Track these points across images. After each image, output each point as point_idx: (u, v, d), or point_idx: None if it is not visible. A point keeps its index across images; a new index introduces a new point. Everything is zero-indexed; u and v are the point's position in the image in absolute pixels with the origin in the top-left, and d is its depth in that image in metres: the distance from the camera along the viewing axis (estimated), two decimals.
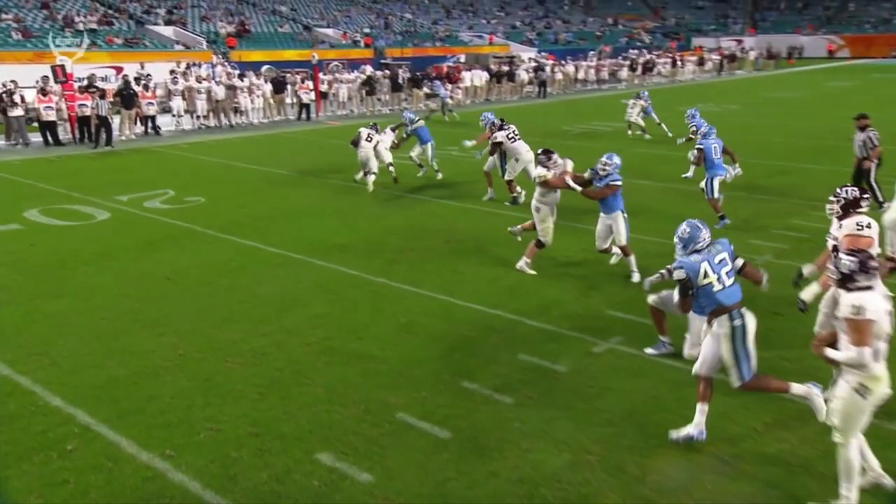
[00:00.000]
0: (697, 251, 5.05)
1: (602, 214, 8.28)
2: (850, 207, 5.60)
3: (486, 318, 7.25)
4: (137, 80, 22.30)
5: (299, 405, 5.56)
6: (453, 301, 7.70)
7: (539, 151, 8.73)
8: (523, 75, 32.60)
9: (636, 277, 8.09)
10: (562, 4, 71.26)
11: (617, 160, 8.07)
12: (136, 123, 20.67)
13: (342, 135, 16.20)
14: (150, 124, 21.00)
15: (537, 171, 8.48)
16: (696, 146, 10.57)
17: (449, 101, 25.20)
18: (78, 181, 14.29)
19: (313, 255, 9.34)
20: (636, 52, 45.26)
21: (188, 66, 25.45)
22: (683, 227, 5.16)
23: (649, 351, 6.37)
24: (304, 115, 24.36)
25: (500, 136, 11.82)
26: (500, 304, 7.59)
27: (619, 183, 8.05)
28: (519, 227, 9.10)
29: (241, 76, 24.22)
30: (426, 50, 43.74)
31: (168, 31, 34.83)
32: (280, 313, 7.42)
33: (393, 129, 13.97)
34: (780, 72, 47.79)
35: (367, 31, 44.90)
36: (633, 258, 8.26)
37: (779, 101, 28.74)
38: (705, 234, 5.10)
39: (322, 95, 25.13)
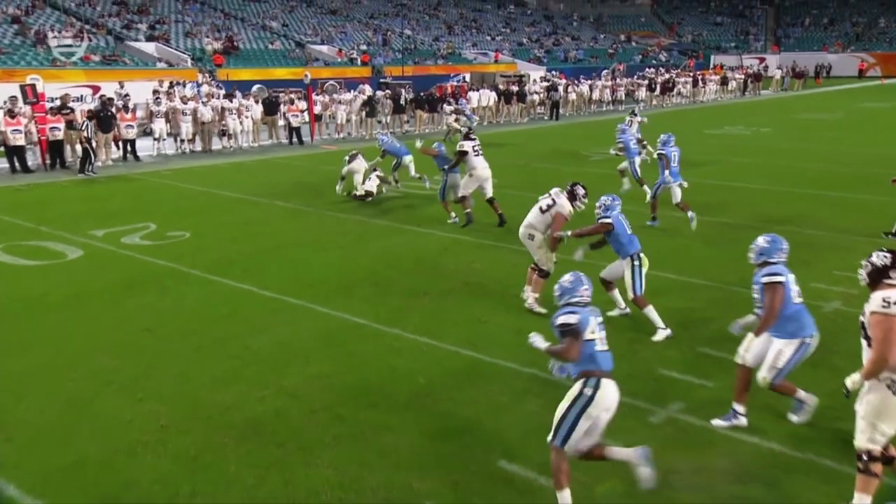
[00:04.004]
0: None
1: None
2: (878, 277, 4.99)
3: (520, 378, 6.69)
4: (112, 100, 21.86)
5: (306, 492, 4.97)
6: (479, 357, 7.15)
7: (569, 184, 8.59)
8: (535, 95, 32.36)
9: (661, 335, 7.60)
10: (570, 21, 71.68)
11: (609, 200, 7.98)
12: (113, 148, 20.21)
13: (339, 160, 15.73)
14: (128, 149, 20.55)
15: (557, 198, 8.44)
16: (658, 152, 11.87)
17: (456, 123, 24.89)
18: (48, 213, 13.77)
19: (314, 300, 8.79)
20: (653, 70, 45.21)
21: (171, 85, 25.13)
22: None
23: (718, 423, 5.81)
24: (294, 139, 23.91)
25: (466, 145, 12.17)
26: (535, 360, 7.01)
27: (610, 221, 7.82)
28: (531, 295, 8.55)
29: (228, 96, 23.86)
30: (428, 68, 43.58)
31: (150, 47, 34.66)
32: (278, 371, 6.86)
33: (374, 169, 14.93)
34: (809, 91, 47.73)
35: (363, 48, 44.87)
36: (650, 311, 7.73)
37: (813, 124, 28.42)
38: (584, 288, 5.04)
39: (316, 117, 24.77)
